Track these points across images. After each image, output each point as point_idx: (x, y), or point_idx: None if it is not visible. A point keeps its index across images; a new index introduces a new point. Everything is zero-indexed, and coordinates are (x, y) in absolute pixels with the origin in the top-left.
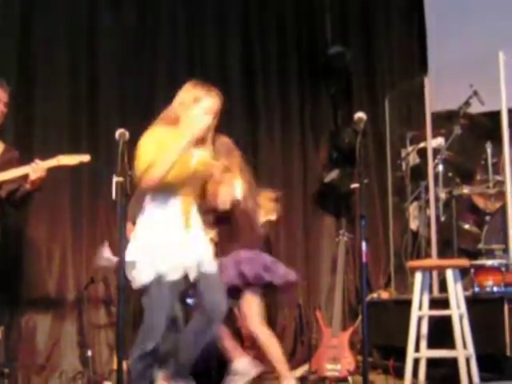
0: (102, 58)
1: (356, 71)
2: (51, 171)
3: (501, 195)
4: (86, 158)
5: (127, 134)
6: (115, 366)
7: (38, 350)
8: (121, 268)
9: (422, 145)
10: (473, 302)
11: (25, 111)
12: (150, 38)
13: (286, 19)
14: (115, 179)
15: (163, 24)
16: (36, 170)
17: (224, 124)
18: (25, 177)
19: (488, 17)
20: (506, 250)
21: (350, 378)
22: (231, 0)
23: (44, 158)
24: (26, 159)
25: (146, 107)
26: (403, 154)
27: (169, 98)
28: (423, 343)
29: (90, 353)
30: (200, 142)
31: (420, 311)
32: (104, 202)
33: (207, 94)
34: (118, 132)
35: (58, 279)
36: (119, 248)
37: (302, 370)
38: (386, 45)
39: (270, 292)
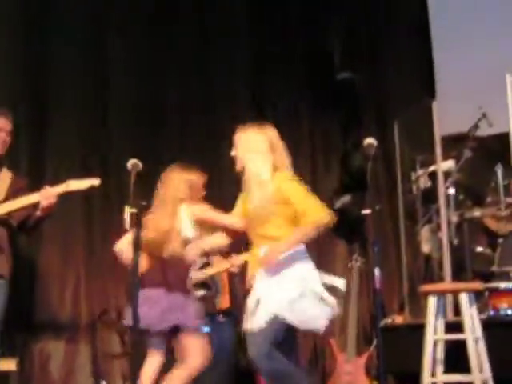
0: (114, 87)
1: (365, 96)
2: (63, 198)
3: None
4: (96, 181)
5: (140, 165)
6: None
7: (52, 380)
8: (135, 297)
9: (432, 168)
10: (488, 325)
11: (37, 140)
12: (160, 67)
13: (295, 45)
14: (128, 210)
15: (173, 53)
16: (46, 196)
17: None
18: (35, 204)
19: (495, 40)
20: None
21: None
22: (241, 29)
23: (55, 184)
24: (37, 187)
25: (157, 135)
26: (413, 177)
27: (179, 128)
28: (439, 368)
29: (104, 383)
30: None
31: (435, 335)
32: (116, 229)
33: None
34: (131, 162)
35: (71, 308)
36: (132, 278)
37: None
38: (394, 69)
39: None
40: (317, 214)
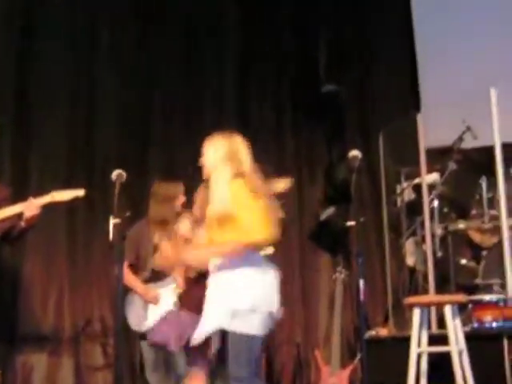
0: (101, 95)
1: (349, 108)
2: (47, 208)
3: (497, 230)
4: (80, 192)
5: (124, 175)
6: None
7: None
8: (118, 308)
9: (416, 181)
10: (472, 338)
11: (21, 149)
12: (146, 75)
13: (280, 57)
14: (112, 221)
15: (161, 62)
16: (30, 207)
17: None
18: (19, 215)
19: (480, 53)
20: (503, 285)
21: None
22: (229, 38)
23: (39, 194)
24: (21, 196)
25: (142, 145)
26: (398, 189)
27: (164, 136)
28: (423, 380)
29: None
30: None
31: (419, 348)
32: (100, 241)
33: None
34: (115, 173)
35: (54, 319)
36: (117, 289)
37: None
38: (379, 81)
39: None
40: (249, 232)
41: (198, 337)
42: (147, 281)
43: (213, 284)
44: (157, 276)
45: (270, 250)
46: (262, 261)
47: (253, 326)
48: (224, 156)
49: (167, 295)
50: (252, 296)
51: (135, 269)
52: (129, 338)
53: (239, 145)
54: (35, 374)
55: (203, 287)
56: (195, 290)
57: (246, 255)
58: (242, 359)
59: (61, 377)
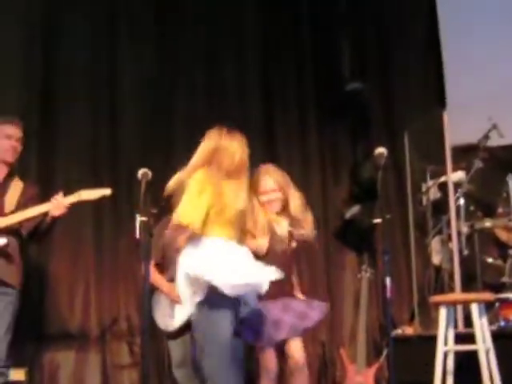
0: (123, 95)
1: (374, 106)
2: (73, 208)
3: None
4: (107, 191)
5: (150, 174)
6: None
7: None
8: (145, 307)
9: (442, 179)
10: (499, 337)
11: (46, 148)
12: (168, 74)
13: (304, 56)
14: (138, 218)
15: (182, 61)
16: (57, 206)
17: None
18: (45, 213)
19: (507, 51)
20: None
21: None
22: (250, 38)
23: (65, 193)
24: (47, 195)
25: (166, 143)
26: (424, 188)
27: (188, 134)
28: (449, 379)
29: None
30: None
31: (446, 346)
32: (126, 239)
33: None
34: (141, 172)
35: (80, 318)
36: (143, 288)
37: None
38: (404, 79)
39: None
40: (178, 214)
41: None
42: (173, 280)
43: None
44: None
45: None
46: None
47: None
48: (207, 151)
49: None
50: None
51: (161, 268)
52: (155, 336)
53: (224, 140)
54: (61, 372)
55: None
56: None
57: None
58: None
59: (87, 375)
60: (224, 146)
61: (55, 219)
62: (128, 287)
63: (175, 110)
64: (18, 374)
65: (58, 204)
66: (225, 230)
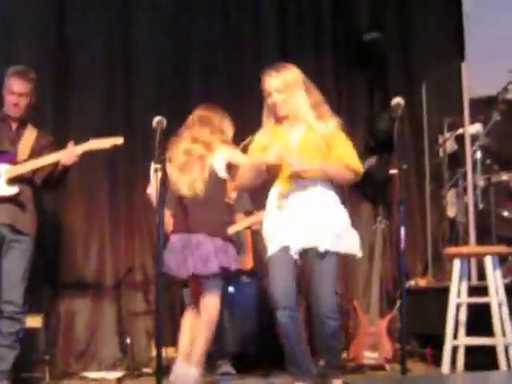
0: (138, 45)
1: (392, 57)
2: (87, 158)
3: None
4: (119, 140)
5: (165, 122)
6: (154, 354)
7: (77, 337)
8: (159, 254)
9: (459, 131)
10: None
11: (61, 97)
12: (184, 23)
13: (321, 6)
14: (153, 166)
15: (198, 9)
16: (68, 155)
17: (259, 114)
18: (57, 162)
19: None
20: None
21: (387, 366)
22: None
23: (79, 143)
24: (62, 145)
25: (181, 92)
26: (440, 140)
27: (202, 83)
28: (461, 331)
29: (128, 340)
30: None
31: (458, 299)
32: (141, 187)
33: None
34: (156, 120)
35: (96, 266)
36: (158, 234)
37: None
38: (423, 30)
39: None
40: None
41: None
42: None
43: None
44: None
45: None
46: None
47: None
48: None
49: None
50: None
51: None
52: (169, 285)
53: None
54: (77, 319)
55: None
56: None
57: None
58: None
59: (103, 322)
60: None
61: (67, 168)
62: (143, 238)
63: (190, 59)
64: (34, 321)
65: (69, 152)
66: None
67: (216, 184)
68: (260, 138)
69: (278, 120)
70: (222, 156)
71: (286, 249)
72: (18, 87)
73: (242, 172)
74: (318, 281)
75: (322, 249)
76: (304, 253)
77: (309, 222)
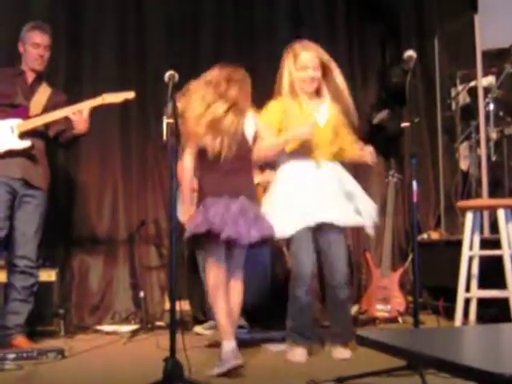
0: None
1: (405, 9)
2: (100, 114)
3: None
4: (130, 94)
5: (176, 76)
6: (167, 307)
7: (91, 291)
8: (172, 207)
9: (472, 84)
10: None
11: (74, 54)
12: None
13: None
14: (166, 120)
15: None
16: (79, 121)
17: (273, 70)
18: (71, 119)
19: None
20: None
21: (400, 319)
22: None
23: (91, 95)
24: (75, 101)
25: (193, 46)
26: (453, 93)
27: (214, 37)
28: (474, 283)
29: (142, 294)
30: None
31: (471, 251)
32: (152, 143)
33: (302, 49)
34: (168, 74)
35: (109, 221)
36: (171, 189)
37: (352, 311)
38: None
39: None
40: None
41: None
42: None
43: None
44: None
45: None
46: None
47: None
48: None
49: None
50: None
51: None
52: (182, 239)
53: None
54: (91, 273)
55: None
56: None
57: None
58: None
59: (116, 276)
60: None
61: (81, 132)
62: (156, 192)
63: (202, 14)
64: (48, 275)
65: (79, 119)
66: None
67: (248, 148)
68: (275, 107)
69: (301, 93)
70: (253, 122)
71: (308, 226)
72: (41, 39)
73: (268, 146)
74: (335, 255)
75: (340, 223)
76: (320, 227)
77: (327, 197)
